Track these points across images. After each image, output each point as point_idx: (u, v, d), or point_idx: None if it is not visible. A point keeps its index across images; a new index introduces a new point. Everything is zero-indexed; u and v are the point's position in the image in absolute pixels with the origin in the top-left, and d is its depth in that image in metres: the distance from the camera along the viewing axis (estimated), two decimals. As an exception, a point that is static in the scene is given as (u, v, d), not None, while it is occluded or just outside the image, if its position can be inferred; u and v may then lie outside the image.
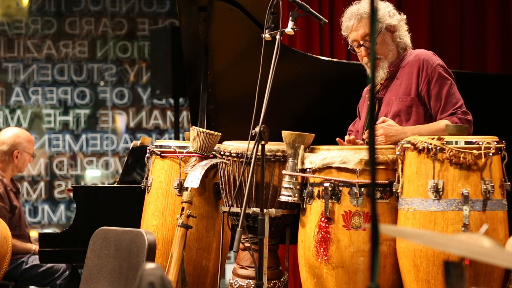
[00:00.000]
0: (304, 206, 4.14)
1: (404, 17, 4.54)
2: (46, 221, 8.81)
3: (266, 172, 4.22)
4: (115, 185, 5.82)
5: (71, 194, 5.46)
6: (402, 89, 4.42)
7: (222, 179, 4.37)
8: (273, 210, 4.19)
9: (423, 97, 4.38)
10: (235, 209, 4.22)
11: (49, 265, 5.69)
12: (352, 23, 4.44)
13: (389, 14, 4.48)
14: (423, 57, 4.42)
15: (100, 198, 5.43)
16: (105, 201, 5.39)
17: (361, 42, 4.44)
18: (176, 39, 6.37)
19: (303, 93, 5.50)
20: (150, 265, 2.69)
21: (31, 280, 5.82)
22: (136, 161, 5.83)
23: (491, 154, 3.89)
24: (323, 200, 4.04)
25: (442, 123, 4.26)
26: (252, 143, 3.98)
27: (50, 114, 8.90)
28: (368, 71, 4.49)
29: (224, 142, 4.43)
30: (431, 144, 3.91)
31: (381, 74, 4.45)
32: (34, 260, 5.71)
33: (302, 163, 4.12)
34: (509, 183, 3.98)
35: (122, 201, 5.33)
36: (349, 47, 4.53)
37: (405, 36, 4.51)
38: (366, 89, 4.71)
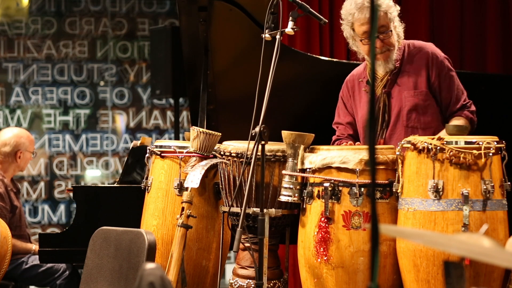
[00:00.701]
0: (304, 206, 4.14)
1: (399, 8, 4.54)
2: (46, 221, 8.81)
3: (266, 172, 4.22)
4: (115, 185, 5.82)
5: (71, 194, 5.46)
6: (411, 83, 4.43)
7: (222, 179, 4.37)
8: (273, 210, 4.19)
9: (434, 90, 4.40)
10: (235, 209, 4.22)
11: (49, 265, 5.68)
12: (365, 15, 4.38)
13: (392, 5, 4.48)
14: (430, 50, 4.46)
15: (100, 198, 5.43)
16: (105, 201, 5.39)
17: (376, 34, 4.39)
18: (176, 39, 6.36)
19: (303, 93, 5.49)
20: (150, 265, 2.69)
21: (31, 280, 5.82)
22: (136, 161, 5.83)
23: (491, 154, 3.89)
24: (323, 200, 4.04)
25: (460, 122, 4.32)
26: (252, 143, 3.98)
27: (50, 114, 8.90)
28: (376, 62, 4.45)
29: (224, 142, 4.43)
30: (431, 144, 3.90)
31: (390, 66, 4.45)
32: (34, 260, 5.71)
33: (302, 163, 4.12)
34: (509, 183, 3.98)
35: (122, 201, 5.33)
36: (359, 40, 4.42)
37: (400, 26, 4.52)
38: (349, 78, 4.66)
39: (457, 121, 4.34)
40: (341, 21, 4.50)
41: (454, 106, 4.42)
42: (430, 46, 4.50)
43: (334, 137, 4.66)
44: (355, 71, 4.67)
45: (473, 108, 4.45)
